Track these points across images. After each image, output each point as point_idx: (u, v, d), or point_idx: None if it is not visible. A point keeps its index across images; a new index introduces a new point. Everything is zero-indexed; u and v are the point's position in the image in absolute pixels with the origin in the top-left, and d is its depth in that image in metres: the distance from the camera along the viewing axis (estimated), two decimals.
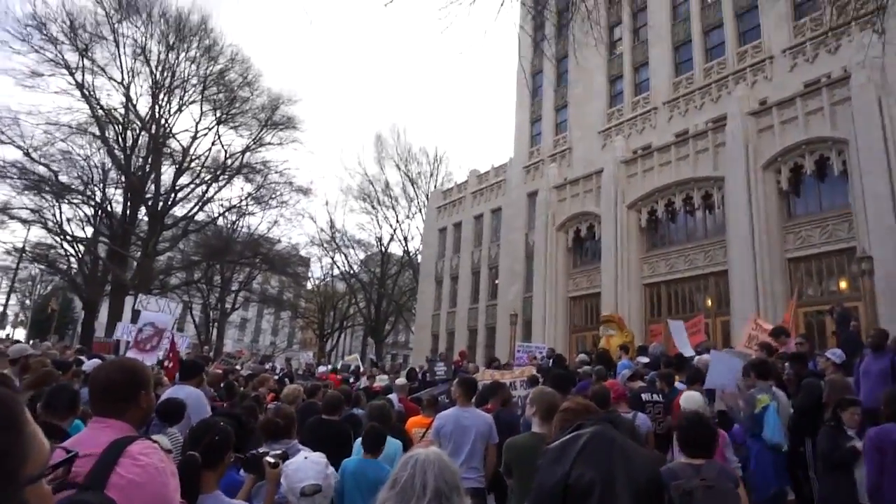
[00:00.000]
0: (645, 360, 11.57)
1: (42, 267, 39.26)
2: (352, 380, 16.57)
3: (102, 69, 33.39)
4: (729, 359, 8.00)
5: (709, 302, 21.43)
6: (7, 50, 31.05)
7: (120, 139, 34.50)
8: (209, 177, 37.14)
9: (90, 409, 2.39)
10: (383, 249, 47.42)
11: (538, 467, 2.99)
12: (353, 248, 48.14)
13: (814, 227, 18.75)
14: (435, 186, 44.91)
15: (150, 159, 35.33)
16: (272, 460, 3.38)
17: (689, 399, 6.08)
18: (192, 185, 37.00)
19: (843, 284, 18.19)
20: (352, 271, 47.79)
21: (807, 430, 6.78)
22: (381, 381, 12.93)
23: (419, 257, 43.72)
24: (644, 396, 7.60)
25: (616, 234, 24.09)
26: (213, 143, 37.14)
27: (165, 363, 9.50)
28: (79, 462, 2.10)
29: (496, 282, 34.00)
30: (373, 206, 47.14)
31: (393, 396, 9.36)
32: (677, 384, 8.16)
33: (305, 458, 2.73)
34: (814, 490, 6.93)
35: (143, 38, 34.54)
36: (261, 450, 3.63)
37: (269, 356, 35.63)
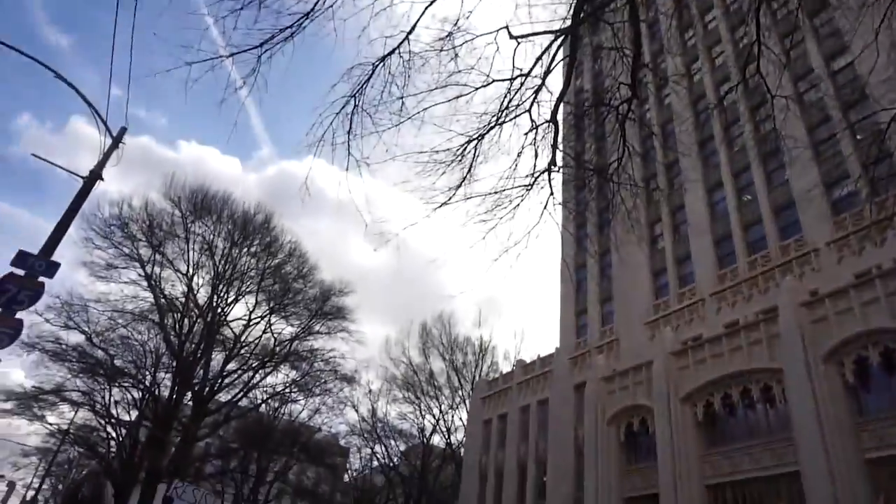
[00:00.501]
0: None
1: (81, 450, 38.96)
2: None
3: (171, 262, 35.90)
4: None
5: None
6: (90, 245, 33.52)
7: (177, 326, 35.90)
8: (257, 363, 37.68)
9: None
10: (425, 441, 45.66)
11: None
12: (394, 438, 46.59)
13: (891, 424, 17.32)
14: (480, 376, 44.26)
15: (202, 345, 36.33)
16: None
17: None
18: (239, 371, 37.49)
19: None
20: (391, 463, 45.70)
21: None
22: None
23: (462, 450, 41.71)
24: None
25: (671, 428, 22.74)
26: (263, 331, 38.20)
27: None
28: None
29: (544, 479, 31.77)
30: (416, 396, 46.38)
31: None
32: None
33: None
34: None
35: (212, 236, 37.48)
36: None
37: None
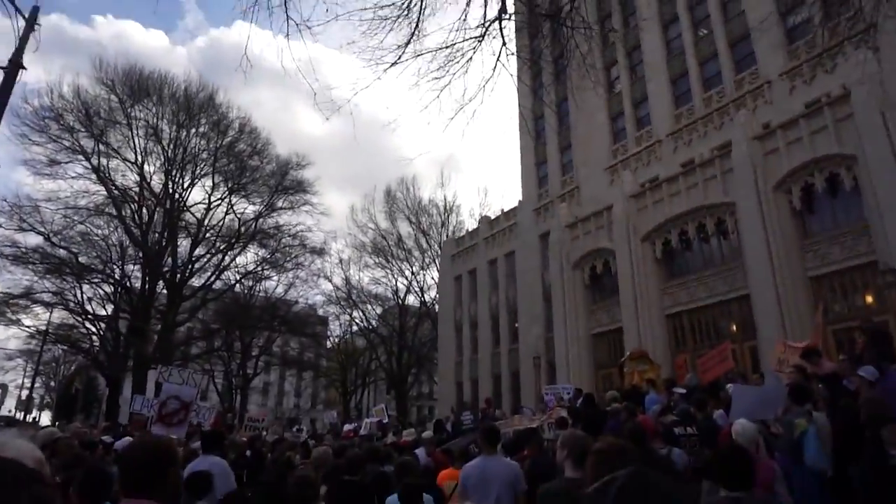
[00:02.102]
0: (681, 391, 11.30)
1: (65, 347, 39.60)
2: (380, 435, 16.36)
3: (117, 151, 34.43)
4: (766, 386, 7.78)
5: (734, 328, 21.09)
6: (27, 142, 31.71)
7: (136, 217, 35.24)
8: (224, 245, 37.67)
9: (120, 489, 2.39)
10: (400, 302, 47.41)
11: None
12: (370, 303, 48.22)
13: (832, 243, 18.56)
14: (447, 236, 45.15)
15: (166, 234, 35.98)
16: None
17: (743, 430, 5.86)
18: (207, 255, 37.54)
19: (869, 299, 17.85)
20: (370, 326, 47.73)
21: (848, 453, 6.55)
22: (409, 434, 12.75)
23: (437, 307, 43.60)
24: (677, 430, 7.41)
25: (632, 267, 23.98)
26: (226, 213, 37.83)
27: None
28: None
29: (516, 325, 33.74)
30: (387, 260, 47.41)
31: (420, 450, 9.22)
32: (715, 414, 7.96)
33: None
34: None
35: (155, 119, 35.68)
36: None
37: (295, 419, 35.32)
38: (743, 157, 20.51)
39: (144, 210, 35.73)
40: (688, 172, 23.05)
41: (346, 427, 20.70)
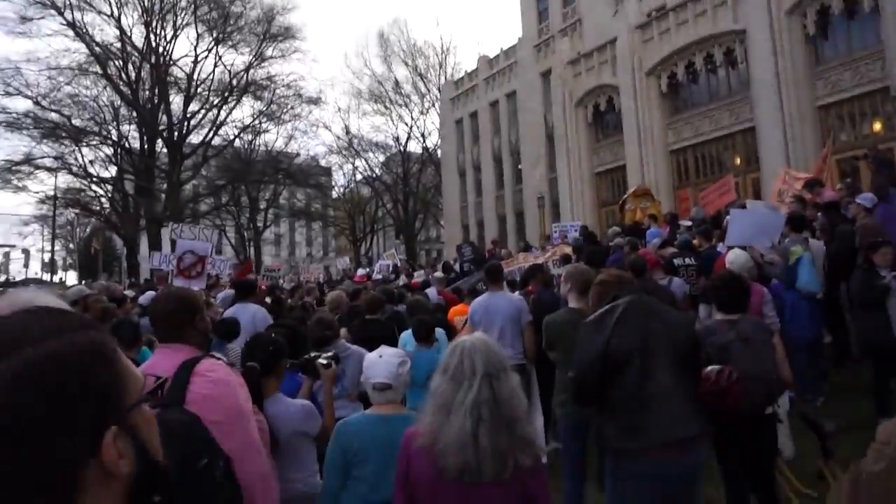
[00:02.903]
0: (687, 223, 11.55)
1: (77, 211, 40.17)
2: (392, 278, 17.03)
3: (89, 3, 32.38)
4: (766, 214, 7.91)
5: (738, 161, 21.02)
6: None
7: (123, 74, 34.01)
8: (218, 100, 36.68)
9: (156, 337, 2.59)
10: (402, 149, 46.87)
11: (578, 340, 3.16)
12: (371, 151, 47.69)
13: (844, 69, 17.90)
14: (445, 78, 43.56)
15: (156, 90, 34.92)
16: (325, 362, 3.69)
17: (735, 258, 6.09)
18: (202, 111, 36.70)
19: (877, 126, 17.59)
20: (374, 174, 47.67)
21: (841, 275, 6.86)
22: (419, 276, 13.30)
23: (439, 152, 43.23)
24: (676, 261, 7.69)
25: (636, 103, 23.38)
26: (215, 65, 36.40)
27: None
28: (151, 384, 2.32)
29: (519, 167, 33.66)
30: (385, 107, 46.15)
31: (431, 290, 9.67)
32: (718, 246, 8.20)
33: (381, 356, 2.91)
34: (850, 331, 7.12)
35: None
36: (312, 354, 3.91)
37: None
38: None
39: (130, 66, 34.39)
40: None
41: (360, 272, 21.49)
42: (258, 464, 2.35)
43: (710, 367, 3.28)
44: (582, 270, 4.54)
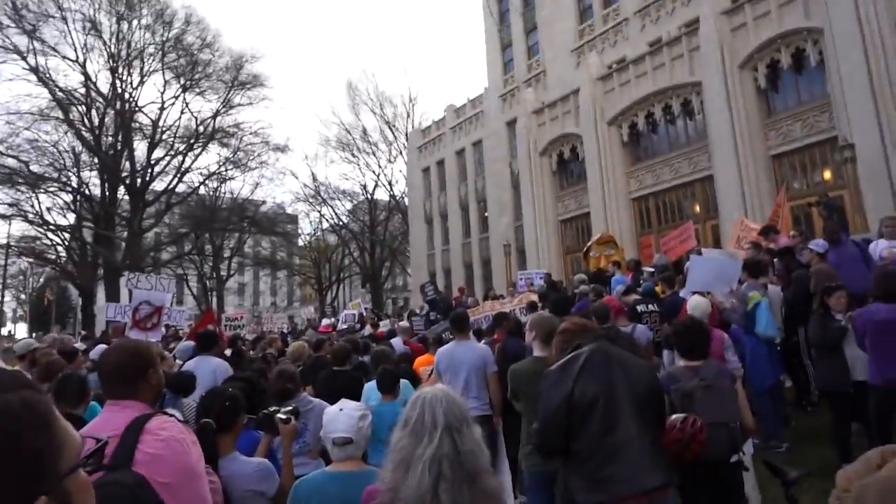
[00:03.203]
0: (650, 269, 11.74)
1: (30, 260, 38.99)
2: (358, 327, 16.82)
3: (54, 49, 32.26)
4: (723, 261, 8.09)
5: (697, 208, 21.62)
6: None
7: (86, 120, 33.66)
8: (183, 146, 36.51)
9: (104, 393, 2.46)
10: (369, 197, 47.13)
11: (542, 389, 3.12)
12: (338, 199, 47.83)
13: (794, 120, 18.73)
14: (413, 127, 44.26)
15: (119, 136, 34.58)
16: (284, 417, 3.55)
17: (696, 304, 6.17)
18: (167, 158, 36.43)
19: (826, 175, 18.33)
20: (341, 222, 47.65)
21: (798, 320, 7.00)
22: (385, 326, 13.15)
23: (406, 200, 43.52)
24: (640, 308, 7.78)
25: (599, 151, 24.01)
26: (182, 112, 36.39)
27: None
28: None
29: (486, 214, 34.04)
30: (353, 155, 46.58)
31: (396, 340, 9.55)
32: (681, 292, 8.32)
33: (341, 409, 2.82)
34: (809, 375, 7.23)
35: (91, 11, 33.19)
36: (272, 408, 3.78)
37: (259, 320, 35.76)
38: (710, 34, 20.09)
39: (94, 112, 34.09)
40: (655, 52, 22.60)
41: (325, 322, 21.21)
42: None
43: (674, 416, 3.27)
44: (546, 318, 4.54)
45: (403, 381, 5.51)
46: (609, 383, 2.91)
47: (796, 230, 11.67)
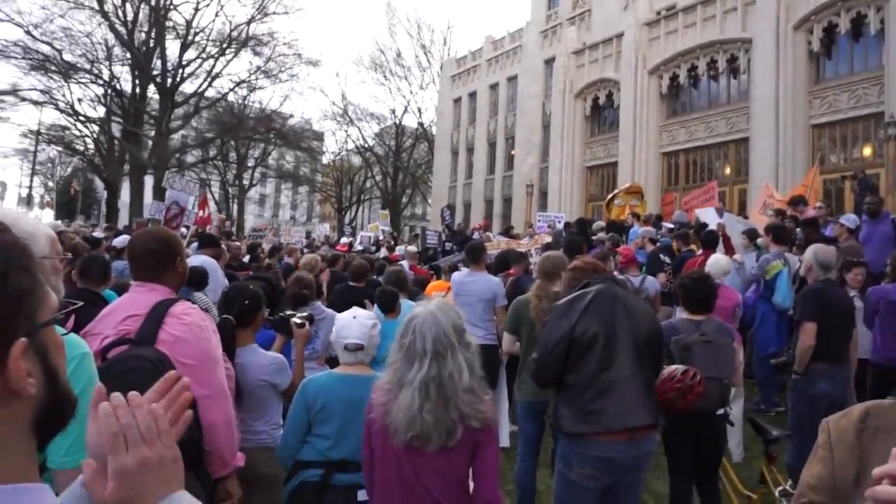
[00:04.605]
0: (669, 226, 11.76)
1: (59, 149, 39.44)
2: (374, 250, 17.05)
3: None
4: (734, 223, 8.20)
5: (727, 170, 21.22)
6: None
7: (120, 12, 33.16)
8: (216, 51, 35.95)
9: (132, 276, 2.58)
10: (397, 122, 46.55)
11: (546, 322, 3.24)
12: (366, 120, 47.29)
13: (842, 90, 18.06)
14: (448, 55, 43.22)
15: (153, 33, 34.15)
16: (299, 321, 3.71)
17: (715, 261, 6.20)
18: (199, 60, 35.94)
19: (867, 151, 17.82)
20: (366, 145, 47.34)
21: None
22: (400, 250, 13.35)
23: (434, 129, 43.01)
24: (662, 256, 7.96)
25: (636, 101, 23.41)
26: (216, 14, 35.75)
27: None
28: (127, 321, 2.33)
29: (512, 153, 33.65)
30: (385, 77, 45.72)
31: (403, 264, 9.72)
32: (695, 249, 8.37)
33: (354, 317, 2.96)
34: None
35: None
36: (288, 312, 3.94)
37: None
38: None
39: (128, 6, 33.57)
40: (707, 2, 21.61)
41: (343, 241, 21.46)
42: (223, 410, 2.39)
43: (675, 367, 3.38)
44: (551, 256, 4.63)
45: (410, 303, 5.64)
46: (611, 323, 3.01)
47: (823, 202, 11.48)
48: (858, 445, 1.32)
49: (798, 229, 8.49)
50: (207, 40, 35.71)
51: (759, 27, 19.35)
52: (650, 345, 3.13)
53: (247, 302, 3.39)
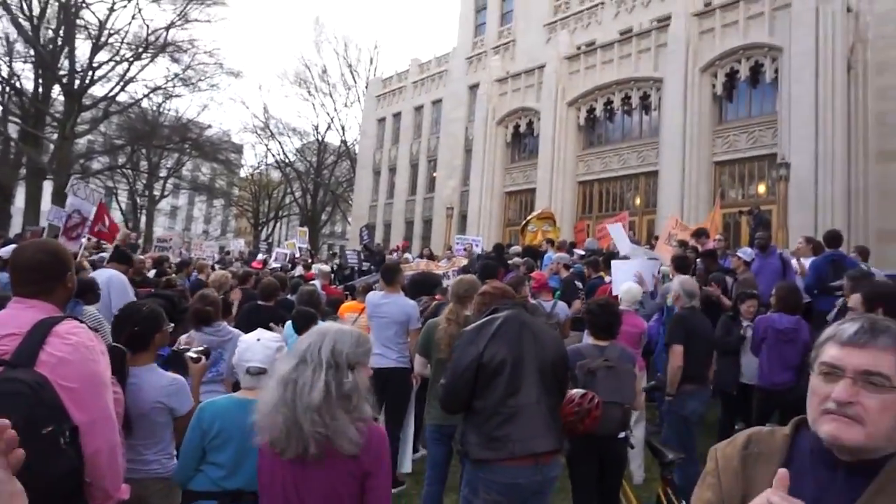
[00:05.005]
0: (581, 252, 12.14)
1: None
2: (289, 267, 16.67)
3: None
4: (642, 263, 8.55)
5: (638, 201, 22.26)
6: None
7: (24, 5, 31.23)
8: (130, 54, 34.40)
9: (12, 291, 2.37)
10: (320, 138, 46.07)
11: (455, 348, 3.25)
12: (288, 135, 46.52)
13: (741, 132, 19.44)
14: (374, 75, 43.33)
15: (61, 31, 32.31)
16: (195, 356, 3.52)
17: (628, 289, 6.40)
18: (111, 63, 34.29)
19: (761, 188, 19.20)
20: (287, 160, 46.51)
21: (710, 318, 7.41)
22: (317, 269, 13.09)
23: (357, 147, 42.83)
24: (577, 283, 8.17)
25: (555, 130, 24.23)
26: (133, 17, 34.33)
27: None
28: (3, 341, 2.14)
29: (434, 175, 33.96)
30: (309, 93, 45.29)
31: (315, 283, 9.55)
32: (604, 276, 8.67)
33: (258, 339, 2.84)
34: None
35: None
36: (181, 346, 3.73)
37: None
38: (678, 33, 20.43)
39: (35, 0, 31.69)
40: (624, 41, 22.83)
41: (260, 257, 20.87)
42: (107, 437, 2.22)
43: (575, 390, 3.47)
44: (464, 280, 4.68)
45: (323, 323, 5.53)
46: (519, 349, 3.06)
47: (722, 235, 12.25)
48: (743, 471, 1.38)
49: (699, 260, 8.97)
50: (122, 43, 34.17)
51: (670, 68, 20.57)
52: (555, 370, 3.20)
53: (136, 328, 3.14)
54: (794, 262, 8.23)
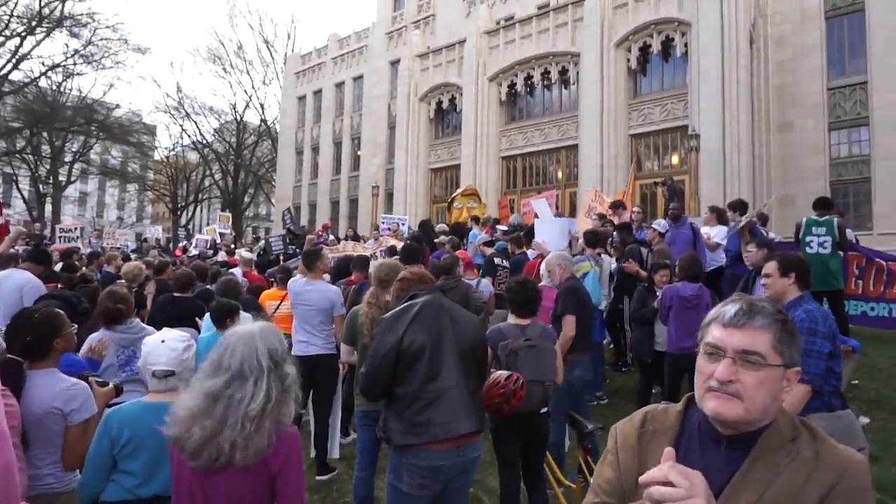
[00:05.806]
0: (504, 228, 12.25)
1: None
2: (211, 254, 16.13)
3: None
4: (560, 222, 8.87)
5: (560, 174, 22.76)
6: None
7: None
8: (22, 28, 31.94)
9: None
10: (239, 118, 44.41)
11: (374, 335, 3.23)
12: (204, 115, 44.70)
13: (655, 105, 20.15)
14: (293, 51, 42.01)
15: None
16: (100, 379, 3.33)
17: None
18: (1, 38, 31.75)
19: (675, 160, 20.01)
20: (205, 141, 44.62)
21: (626, 290, 7.71)
22: (239, 255, 12.70)
23: (278, 127, 41.60)
24: (496, 261, 8.24)
25: (476, 106, 24.32)
26: None
27: None
28: None
29: (358, 153, 33.49)
30: (225, 70, 43.49)
31: (237, 270, 9.29)
32: (527, 251, 8.81)
33: (163, 340, 2.71)
34: (627, 341, 8.04)
35: None
36: (86, 372, 3.50)
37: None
38: (594, 8, 20.82)
39: None
40: (542, 16, 23.06)
41: (182, 244, 20.06)
42: (2, 454, 2.09)
43: (499, 372, 3.54)
44: (385, 264, 4.66)
45: (245, 315, 5.37)
46: (437, 334, 3.08)
47: (639, 207, 12.69)
48: (639, 448, 1.44)
49: (615, 232, 9.27)
50: (11, 16, 31.61)
51: (586, 43, 20.98)
52: (475, 353, 3.24)
53: (29, 338, 2.90)
54: (703, 230, 8.63)
